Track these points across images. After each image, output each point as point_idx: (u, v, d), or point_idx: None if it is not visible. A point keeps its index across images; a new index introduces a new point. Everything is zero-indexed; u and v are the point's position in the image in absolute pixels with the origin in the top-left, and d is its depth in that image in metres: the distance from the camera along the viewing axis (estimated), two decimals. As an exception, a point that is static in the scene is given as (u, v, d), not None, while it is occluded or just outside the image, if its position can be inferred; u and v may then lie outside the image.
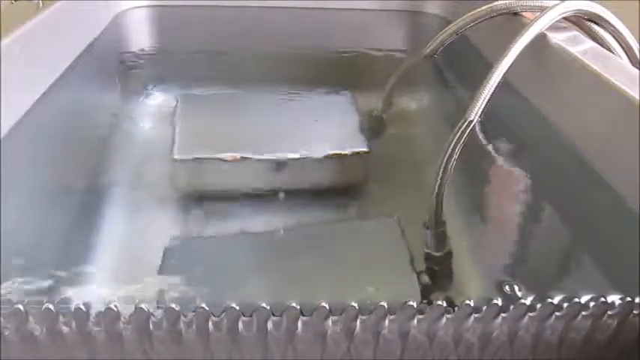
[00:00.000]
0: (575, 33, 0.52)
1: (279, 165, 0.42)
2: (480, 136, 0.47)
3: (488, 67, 0.49)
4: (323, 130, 0.49)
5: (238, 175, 0.41)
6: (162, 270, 0.31)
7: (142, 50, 0.65)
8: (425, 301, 0.29)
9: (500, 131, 0.48)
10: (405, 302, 0.28)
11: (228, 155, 0.43)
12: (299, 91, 0.55)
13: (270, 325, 0.27)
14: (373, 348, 0.29)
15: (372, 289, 0.31)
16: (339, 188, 0.41)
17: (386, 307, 0.27)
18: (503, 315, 0.28)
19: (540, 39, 0.50)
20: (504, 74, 0.49)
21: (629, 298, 0.29)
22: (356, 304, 0.27)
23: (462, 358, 0.29)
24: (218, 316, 0.27)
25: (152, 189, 0.40)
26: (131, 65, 0.61)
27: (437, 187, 0.41)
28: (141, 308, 0.27)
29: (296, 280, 0.31)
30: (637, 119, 0.38)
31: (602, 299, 0.29)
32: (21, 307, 0.27)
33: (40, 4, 0.56)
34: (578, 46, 0.49)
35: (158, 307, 0.27)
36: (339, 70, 0.61)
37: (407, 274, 0.32)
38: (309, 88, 0.55)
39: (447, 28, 0.62)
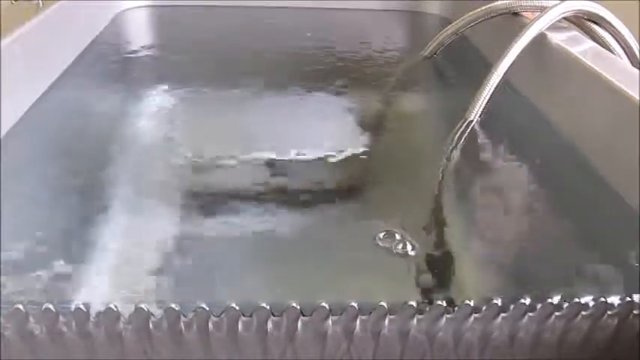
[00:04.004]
0: (575, 33, 0.52)
1: (279, 165, 0.42)
2: (480, 136, 0.47)
3: (488, 67, 0.50)
4: (323, 130, 0.49)
5: (238, 174, 0.41)
6: (162, 270, 0.31)
7: (142, 50, 0.65)
8: (425, 301, 0.29)
9: (500, 131, 0.48)
10: (405, 302, 0.28)
11: (228, 155, 0.43)
12: (299, 91, 0.55)
13: (270, 325, 0.27)
14: (373, 348, 0.29)
15: (372, 289, 0.31)
16: (338, 188, 0.41)
17: (386, 306, 0.27)
18: (503, 315, 0.28)
19: (540, 39, 0.50)
20: (504, 74, 0.49)
21: (629, 298, 0.29)
22: (356, 304, 0.27)
23: (461, 358, 0.29)
24: (218, 316, 0.27)
25: (152, 189, 0.40)
26: (131, 65, 0.61)
27: (437, 187, 0.42)
28: (141, 308, 0.27)
29: (296, 280, 0.31)
30: (637, 119, 0.38)
31: (602, 299, 0.29)
32: (21, 307, 0.27)
33: (41, 4, 0.56)
34: (578, 46, 0.49)
35: (158, 307, 0.27)
36: (338, 70, 0.61)
37: (407, 273, 0.32)
38: (308, 88, 0.55)
39: (446, 28, 0.62)
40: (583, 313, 0.28)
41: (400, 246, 0.33)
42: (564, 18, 0.52)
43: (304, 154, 0.43)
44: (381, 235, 0.33)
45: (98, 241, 0.34)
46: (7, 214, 0.34)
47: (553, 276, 0.31)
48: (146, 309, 0.27)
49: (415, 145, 0.49)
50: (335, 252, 0.34)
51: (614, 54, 0.52)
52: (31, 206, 0.37)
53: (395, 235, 0.33)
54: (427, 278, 0.32)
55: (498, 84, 0.49)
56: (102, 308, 0.27)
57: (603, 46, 0.52)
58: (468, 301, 0.28)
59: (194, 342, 0.28)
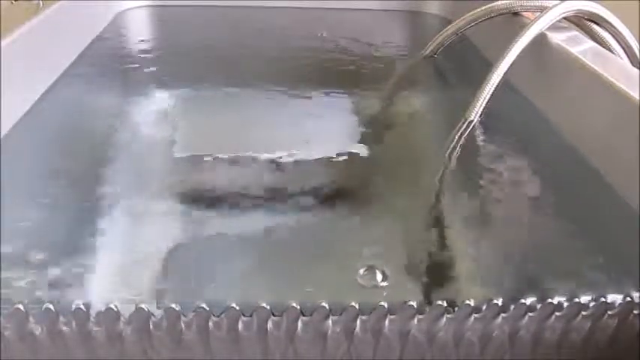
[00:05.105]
0: (575, 33, 0.52)
1: (279, 165, 0.42)
2: (480, 136, 0.47)
3: (488, 67, 0.50)
4: (323, 130, 0.49)
5: (238, 174, 0.41)
6: (162, 270, 0.31)
7: (143, 50, 0.65)
8: (425, 301, 0.29)
9: (500, 131, 0.48)
10: (405, 302, 0.28)
11: (227, 155, 0.43)
12: (299, 91, 0.55)
13: (270, 325, 0.27)
14: (373, 348, 0.29)
15: (371, 289, 0.31)
16: (338, 189, 0.41)
17: (386, 307, 0.27)
18: (503, 315, 0.28)
19: (540, 39, 0.50)
20: (504, 74, 0.49)
21: (629, 298, 0.29)
22: (356, 304, 0.27)
23: (461, 358, 0.29)
24: (218, 316, 0.27)
25: (152, 188, 0.40)
26: (131, 65, 0.61)
27: (437, 187, 0.42)
28: (141, 308, 0.27)
29: (296, 280, 0.31)
30: (637, 119, 0.38)
31: (602, 299, 0.29)
32: (21, 307, 0.27)
33: (41, 4, 0.56)
34: (578, 46, 0.49)
35: (158, 307, 0.27)
36: (338, 70, 0.61)
37: (407, 273, 0.32)
38: (308, 88, 0.55)
39: (446, 28, 0.62)
40: (583, 313, 0.28)
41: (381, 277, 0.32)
42: (564, 18, 0.52)
43: (304, 154, 0.43)
44: (363, 270, 0.33)
45: (98, 240, 0.34)
46: (7, 214, 0.34)
47: (553, 276, 0.31)
48: (146, 309, 0.27)
49: (415, 144, 0.49)
50: (333, 253, 0.34)
51: (614, 54, 0.52)
52: (31, 206, 0.37)
53: (376, 272, 0.32)
54: (424, 278, 0.32)
55: (498, 84, 0.49)
56: (102, 308, 0.27)
57: (603, 46, 0.52)
58: (468, 301, 0.28)
59: (194, 342, 0.28)
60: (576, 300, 0.28)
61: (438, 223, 0.38)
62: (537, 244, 0.35)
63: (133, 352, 0.28)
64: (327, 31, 0.73)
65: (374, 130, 0.50)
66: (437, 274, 0.32)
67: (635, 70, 0.46)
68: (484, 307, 0.28)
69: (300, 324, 0.28)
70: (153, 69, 0.61)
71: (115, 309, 0.27)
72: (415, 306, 0.28)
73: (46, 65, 0.54)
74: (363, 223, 0.37)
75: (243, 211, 0.37)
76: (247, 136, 0.47)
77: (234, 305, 0.27)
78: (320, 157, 0.43)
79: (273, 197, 0.38)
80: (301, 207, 0.38)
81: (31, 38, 0.51)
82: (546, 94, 0.50)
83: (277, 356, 0.29)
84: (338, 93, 0.55)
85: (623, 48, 0.53)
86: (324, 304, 0.27)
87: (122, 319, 0.27)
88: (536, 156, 0.44)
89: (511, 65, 0.49)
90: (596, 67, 0.44)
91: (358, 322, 0.28)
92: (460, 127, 0.47)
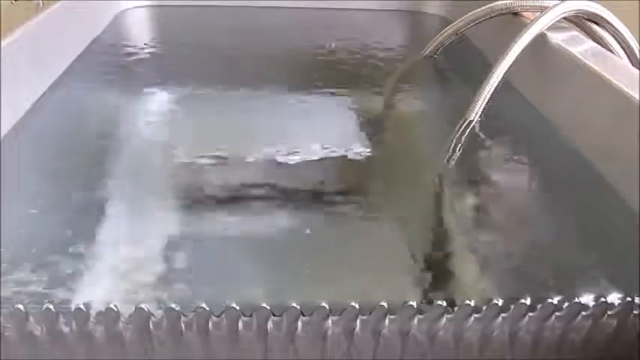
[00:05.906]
0: (575, 33, 0.52)
1: (279, 165, 0.42)
2: (480, 135, 0.47)
3: (488, 67, 0.50)
4: (322, 130, 0.49)
5: (238, 175, 0.41)
6: (162, 270, 0.31)
7: (142, 50, 0.65)
8: (425, 301, 0.29)
9: (500, 131, 0.48)
10: (405, 302, 0.28)
11: (227, 155, 0.43)
12: (298, 91, 0.55)
13: (270, 325, 0.27)
14: (373, 348, 0.29)
15: (372, 289, 0.31)
16: (338, 189, 0.41)
17: (386, 307, 0.27)
18: (503, 315, 0.28)
19: (540, 39, 0.50)
20: (504, 74, 0.49)
21: (629, 298, 0.29)
22: (356, 304, 0.27)
23: (461, 358, 0.29)
24: (218, 316, 0.27)
25: (152, 189, 0.40)
26: (131, 65, 0.61)
27: (437, 188, 0.42)
28: (141, 308, 0.27)
29: (296, 280, 0.31)
30: (637, 119, 0.38)
31: (602, 299, 0.29)
32: (21, 307, 0.27)
33: (41, 4, 0.56)
34: (578, 46, 0.49)
35: (158, 307, 0.27)
36: (338, 70, 0.61)
37: (407, 273, 0.32)
38: (308, 88, 0.55)
39: (446, 29, 0.62)
40: (583, 313, 0.28)
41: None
42: (564, 18, 0.52)
43: (304, 154, 0.43)
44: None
45: (98, 240, 0.34)
46: (7, 214, 0.34)
47: (553, 276, 0.31)
48: (146, 309, 0.27)
49: (415, 144, 0.49)
50: (333, 253, 0.34)
51: (614, 54, 0.52)
52: (31, 206, 0.37)
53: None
54: (424, 277, 0.32)
55: (498, 84, 0.49)
56: (102, 308, 0.27)
57: (603, 46, 0.52)
58: (468, 301, 0.28)
59: (194, 342, 0.28)
60: (576, 300, 0.28)
61: (437, 223, 0.38)
62: (537, 244, 0.35)
63: (133, 352, 0.28)
64: (326, 30, 0.73)
65: (374, 130, 0.50)
66: (437, 275, 0.32)
67: (635, 70, 0.46)
68: (484, 307, 0.28)
69: (300, 324, 0.28)
70: (153, 69, 0.61)
71: (115, 309, 0.27)
72: (415, 306, 0.28)
73: (47, 65, 0.54)
74: (362, 223, 0.37)
75: (243, 210, 0.37)
76: (247, 136, 0.47)
77: (234, 305, 0.27)
78: (320, 156, 0.43)
79: (273, 197, 0.38)
80: (301, 207, 0.38)
81: (31, 38, 0.51)
82: (546, 94, 0.50)
83: (277, 356, 0.29)
84: (338, 93, 0.55)
85: (623, 48, 0.53)
86: (324, 304, 0.27)
87: (122, 319, 0.27)
88: (536, 156, 0.44)
89: (511, 65, 0.49)
90: (596, 67, 0.44)
91: (358, 322, 0.28)
92: (460, 127, 0.47)
